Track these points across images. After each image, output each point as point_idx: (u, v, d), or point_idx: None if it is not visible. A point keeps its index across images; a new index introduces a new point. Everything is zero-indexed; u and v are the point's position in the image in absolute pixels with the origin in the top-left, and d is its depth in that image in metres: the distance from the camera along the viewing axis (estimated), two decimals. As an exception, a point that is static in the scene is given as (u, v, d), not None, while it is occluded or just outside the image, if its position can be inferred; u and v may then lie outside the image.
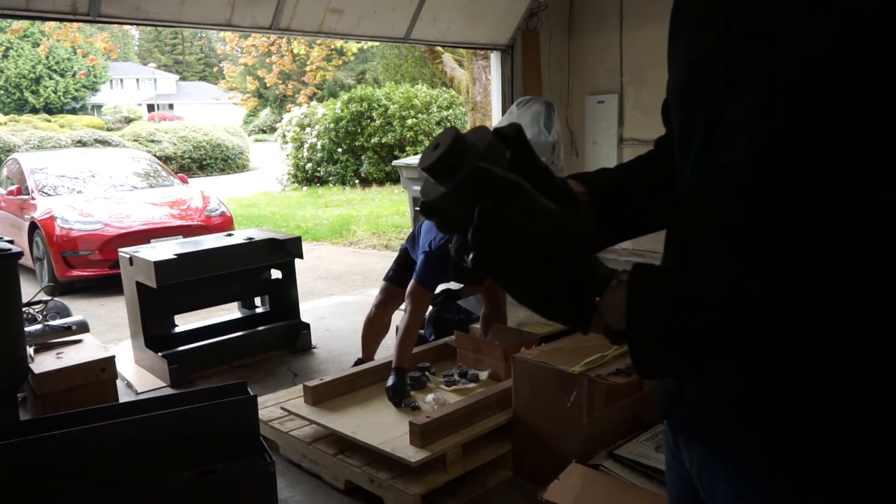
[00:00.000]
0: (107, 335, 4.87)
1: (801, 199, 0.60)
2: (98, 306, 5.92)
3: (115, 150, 11.99)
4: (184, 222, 6.74)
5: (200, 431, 2.19)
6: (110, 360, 3.18)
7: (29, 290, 5.01)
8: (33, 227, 6.64)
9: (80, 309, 4.98)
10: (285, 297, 4.50)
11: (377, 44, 13.50)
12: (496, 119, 5.07)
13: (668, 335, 0.61)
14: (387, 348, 3.61)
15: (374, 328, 3.57)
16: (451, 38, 4.77)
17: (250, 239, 4.24)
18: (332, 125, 14.40)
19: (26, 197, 7.05)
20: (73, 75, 30.76)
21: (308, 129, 15.02)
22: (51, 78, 30.46)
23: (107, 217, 6.55)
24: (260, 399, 2.86)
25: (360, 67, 26.76)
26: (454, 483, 2.53)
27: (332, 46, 13.54)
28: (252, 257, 4.21)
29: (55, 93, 30.53)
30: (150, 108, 36.89)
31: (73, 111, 30.31)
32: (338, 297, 5.89)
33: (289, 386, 3.57)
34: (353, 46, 12.22)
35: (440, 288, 3.44)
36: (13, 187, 7.34)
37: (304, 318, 4.52)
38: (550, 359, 2.56)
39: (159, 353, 3.85)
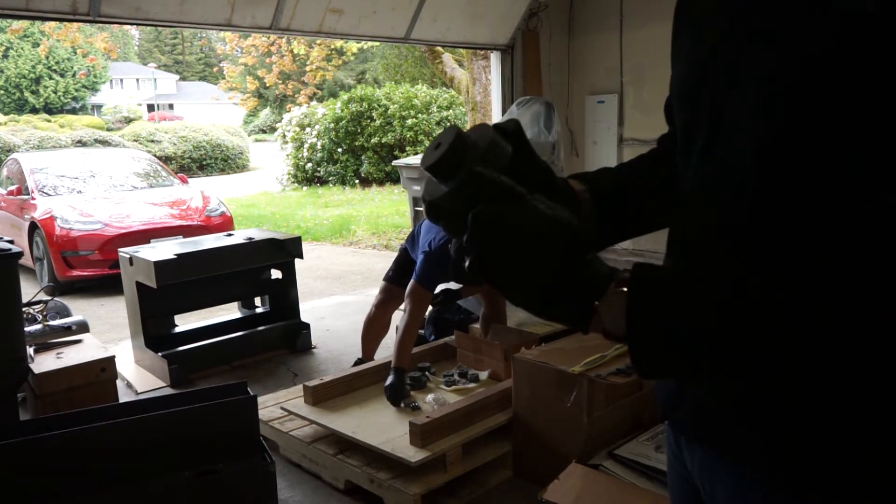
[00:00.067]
0: (107, 335, 4.87)
1: (802, 199, 0.60)
2: (98, 306, 5.92)
3: (115, 150, 11.99)
4: (184, 222, 6.74)
5: (200, 431, 2.19)
6: (110, 360, 3.18)
7: (29, 290, 5.01)
8: (33, 227, 6.64)
9: (80, 309, 4.98)
10: (285, 297, 4.50)
11: (377, 44, 13.50)
12: (496, 119, 5.07)
13: (668, 335, 0.61)
14: (387, 348, 3.60)
15: (374, 328, 3.57)
16: (451, 38, 4.77)
17: (250, 239, 4.24)
18: (332, 125, 14.40)
19: (26, 197, 7.05)
20: (73, 75, 30.76)
21: (308, 129, 15.02)
22: (51, 78, 30.47)
23: (107, 217, 6.55)
24: (260, 399, 2.86)
25: (360, 67, 26.76)
26: (454, 483, 2.53)
27: (332, 46, 13.55)
28: (252, 257, 4.21)
29: (55, 93, 30.54)
30: (150, 108, 36.90)
31: (73, 111, 30.31)
32: (338, 297, 5.89)
33: (289, 386, 3.57)
34: (353, 46, 12.22)
35: (440, 288, 3.44)
36: (13, 187, 7.34)
37: (304, 318, 4.52)
38: (550, 359, 2.56)
39: (159, 353, 3.85)
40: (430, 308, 3.72)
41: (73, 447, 2.04)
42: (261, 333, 4.32)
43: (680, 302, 0.61)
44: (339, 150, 14.47)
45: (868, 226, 0.57)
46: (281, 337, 4.34)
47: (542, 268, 0.62)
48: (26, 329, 3.18)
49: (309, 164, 14.98)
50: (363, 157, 14.37)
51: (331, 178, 14.64)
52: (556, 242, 0.62)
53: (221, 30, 4.13)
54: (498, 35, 4.87)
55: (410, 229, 3.84)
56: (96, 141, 17.56)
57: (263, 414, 2.97)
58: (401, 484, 2.42)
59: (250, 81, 24.52)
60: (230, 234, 4.70)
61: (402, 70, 16.87)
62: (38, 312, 3.63)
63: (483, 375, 3.20)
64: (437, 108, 14.16)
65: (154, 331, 4.09)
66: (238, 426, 2.28)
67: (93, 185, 7.46)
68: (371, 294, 4.33)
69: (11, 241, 2.94)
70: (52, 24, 11.63)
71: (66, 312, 3.94)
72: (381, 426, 2.71)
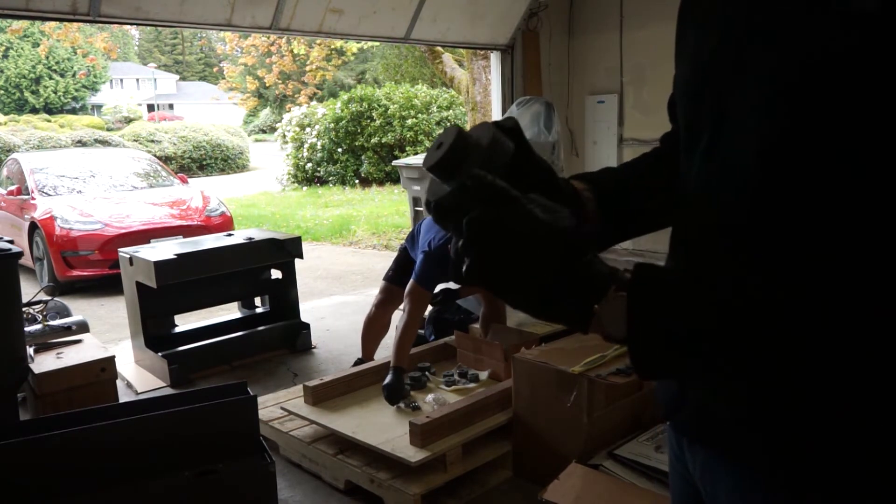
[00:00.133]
0: (107, 335, 4.87)
1: (804, 200, 0.60)
2: (98, 306, 5.92)
3: (115, 150, 11.99)
4: (184, 222, 6.74)
5: (200, 431, 2.19)
6: (110, 360, 3.18)
7: (29, 290, 5.01)
8: (33, 227, 6.64)
9: (80, 309, 4.98)
10: (285, 297, 4.50)
11: (377, 44, 13.51)
12: (496, 119, 5.06)
13: (668, 335, 0.61)
14: (387, 348, 3.60)
15: (374, 328, 3.57)
16: (451, 38, 4.77)
17: (250, 239, 4.24)
18: (332, 125, 14.40)
19: (26, 197, 7.05)
20: (73, 75, 30.76)
21: (308, 129, 15.02)
22: (51, 78, 30.47)
23: (107, 217, 6.55)
24: (260, 399, 2.86)
25: (360, 67, 26.75)
26: (454, 483, 2.53)
27: (332, 46, 13.55)
28: (252, 257, 4.21)
29: (55, 93, 30.54)
30: (150, 108, 36.89)
31: (73, 111, 30.31)
32: (338, 297, 5.89)
33: (289, 386, 3.57)
34: (353, 46, 12.22)
35: (439, 287, 3.44)
36: (13, 187, 7.34)
37: (304, 318, 4.52)
38: (550, 359, 2.56)
39: (159, 353, 3.85)
40: (429, 308, 3.72)
41: (73, 447, 2.04)
42: (261, 333, 4.32)
43: (680, 302, 0.61)
44: (339, 150, 14.47)
45: (868, 226, 0.57)
46: (281, 337, 4.34)
47: (538, 272, 0.62)
48: (26, 329, 3.19)
49: (309, 164, 14.98)
50: (363, 157, 14.37)
51: (331, 178, 14.64)
52: (551, 247, 0.62)
53: (221, 30, 4.13)
54: (498, 35, 4.86)
55: (410, 229, 3.84)
56: (96, 141, 17.56)
57: (263, 414, 2.97)
58: (401, 484, 2.42)
59: (250, 81, 24.53)
60: (230, 234, 4.70)
61: (402, 70, 16.87)
62: (38, 312, 3.63)
63: (483, 375, 3.20)
64: (437, 108, 14.16)
65: (154, 331, 4.09)
66: (238, 426, 2.28)
67: (93, 185, 7.47)
68: (371, 294, 4.33)
69: (11, 241, 2.94)
70: (52, 24, 11.63)
71: (66, 312, 3.94)
72: (381, 426, 2.71)
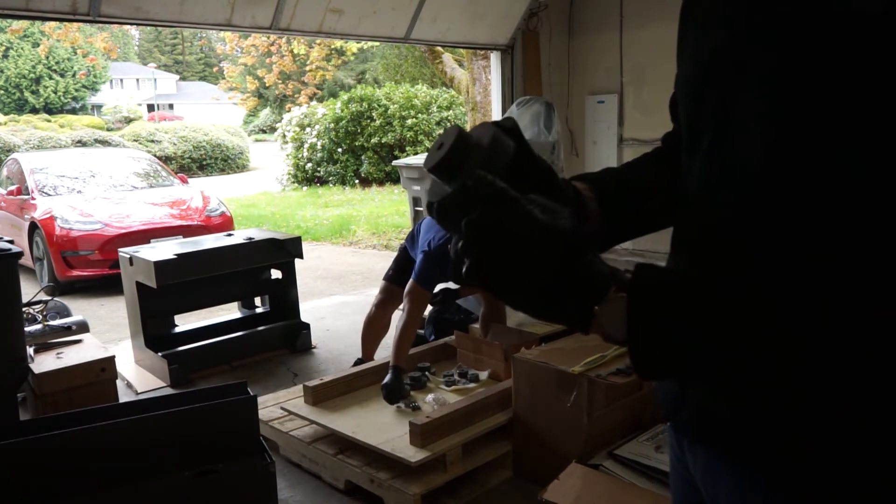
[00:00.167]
0: (107, 335, 4.87)
1: (806, 200, 0.60)
2: (98, 306, 5.92)
3: (115, 150, 11.99)
4: (184, 222, 6.74)
5: (200, 431, 2.19)
6: (110, 360, 3.18)
7: (29, 290, 5.01)
8: (33, 227, 6.64)
9: (80, 309, 4.98)
10: (285, 297, 4.50)
11: (377, 44, 13.51)
12: (496, 120, 5.06)
13: (668, 335, 0.61)
14: (387, 348, 3.60)
15: (374, 328, 3.57)
16: (451, 38, 4.77)
17: (250, 239, 4.24)
18: (332, 125, 14.40)
19: (26, 197, 7.05)
20: (73, 75, 30.76)
21: (308, 129, 15.02)
22: (51, 78, 30.47)
23: (107, 217, 6.55)
24: (260, 399, 2.86)
25: (360, 67, 26.75)
26: (454, 483, 2.53)
27: (332, 46, 13.55)
28: (252, 257, 4.21)
29: (55, 93, 30.54)
30: (150, 108, 36.89)
31: (73, 111, 30.30)
32: (338, 297, 5.89)
33: (289, 386, 3.57)
34: (353, 46, 12.22)
35: (439, 287, 3.44)
36: (13, 187, 7.34)
37: (304, 318, 4.52)
38: (550, 359, 2.56)
39: (159, 353, 3.85)
40: (430, 308, 3.72)
41: (73, 447, 2.04)
42: (261, 333, 4.32)
43: (680, 302, 0.61)
44: (339, 150, 14.47)
45: (868, 226, 0.57)
46: (281, 337, 4.34)
47: (537, 273, 0.62)
48: (26, 329, 3.19)
49: (309, 164, 14.98)
50: (363, 157, 14.37)
51: (331, 178, 14.64)
52: (550, 248, 0.62)
53: (221, 30, 4.13)
54: (498, 35, 4.86)
55: (410, 229, 3.84)
56: (96, 141, 17.56)
57: (263, 414, 2.97)
58: (401, 484, 2.42)
59: (250, 81, 24.53)
60: (230, 234, 4.70)
61: (402, 70, 16.87)
62: (38, 312, 3.63)
63: (483, 375, 3.20)
64: (437, 108, 14.16)
65: (154, 331, 4.09)
66: (238, 426, 2.28)
67: (93, 185, 7.47)
68: (371, 294, 4.33)
69: (11, 241, 2.94)
70: (52, 24, 11.63)
71: (66, 312, 3.94)
72: (381, 426, 2.71)
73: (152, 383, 3.81)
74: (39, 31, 24.71)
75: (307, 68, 14.24)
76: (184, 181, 8.24)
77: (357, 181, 14.45)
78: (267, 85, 17.82)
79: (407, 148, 13.81)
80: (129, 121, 27.85)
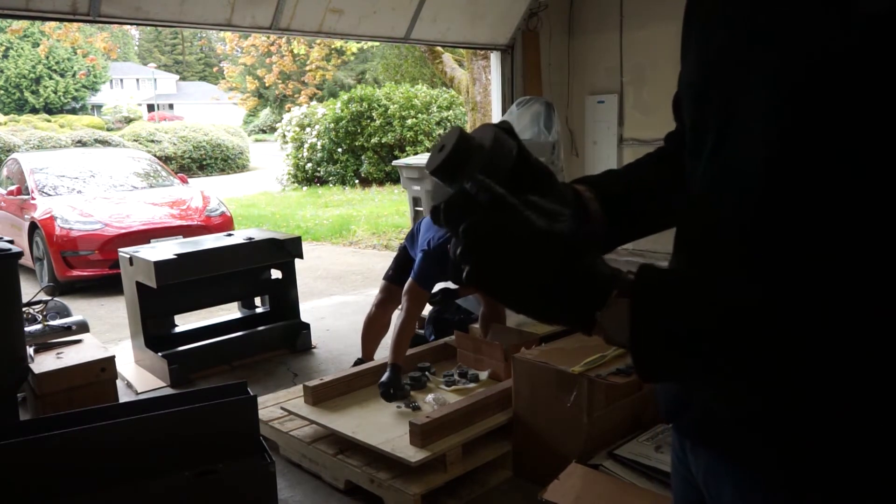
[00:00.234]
0: (107, 335, 4.87)
1: (806, 200, 0.60)
2: (98, 306, 5.92)
3: (115, 150, 12.00)
4: (184, 222, 6.74)
5: (200, 431, 2.19)
6: (110, 360, 3.18)
7: (29, 290, 5.01)
8: (33, 227, 6.64)
9: (80, 309, 4.98)
10: (285, 297, 4.50)
11: (377, 44, 13.51)
12: (496, 120, 5.07)
13: (669, 336, 0.61)
14: (387, 348, 3.60)
15: (374, 328, 3.56)
16: (451, 38, 4.77)
17: (250, 239, 4.24)
18: (332, 125, 14.40)
19: (26, 197, 7.05)
20: (73, 75, 30.76)
21: (308, 129, 15.02)
22: (51, 78, 30.47)
23: (107, 217, 6.55)
24: (260, 399, 2.86)
25: (360, 67, 26.75)
26: (454, 483, 2.53)
27: (332, 46, 13.56)
28: (252, 257, 4.21)
29: (55, 93, 30.54)
30: (150, 108, 36.89)
31: (73, 111, 30.31)
32: (338, 297, 5.89)
33: (289, 386, 3.57)
34: (352, 46, 12.22)
35: (438, 287, 3.44)
36: (13, 187, 7.34)
37: (304, 318, 4.52)
38: (550, 359, 2.56)
39: (159, 353, 3.85)
40: (429, 308, 3.72)
41: (73, 447, 2.04)
42: (261, 333, 4.32)
43: (680, 302, 0.61)
44: (339, 150, 14.47)
45: (868, 227, 0.57)
46: (281, 337, 4.34)
47: (537, 276, 0.62)
48: (26, 329, 3.19)
49: (309, 164, 14.98)
50: (363, 157, 14.37)
51: (331, 178, 14.65)
52: (549, 251, 0.62)
53: (221, 30, 4.13)
54: (498, 35, 4.87)
55: (410, 229, 3.84)
56: (96, 141, 17.56)
57: (263, 414, 2.97)
58: (401, 484, 2.42)
59: (250, 81, 24.54)
60: (230, 234, 4.70)
61: (402, 70, 16.87)
62: (38, 312, 3.63)
63: (483, 375, 3.20)
64: (437, 108, 14.17)
65: (154, 331, 4.09)
66: (238, 426, 2.28)
67: (93, 185, 7.47)
68: (371, 294, 4.33)
69: (11, 241, 2.94)
70: (52, 24, 11.64)
71: (66, 312, 3.94)
72: (381, 426, 2.71)
73: (152, 383, 3.81)
74: (39, 31, 24.71)
75: (307, 68, 14.25)
76: (184, 181, 8.25)
77: (357, 181, 14.45)
78: (267, 85, 17.83)
79: (407, 148, 13.81)
80: (129, 121, 27.86)
